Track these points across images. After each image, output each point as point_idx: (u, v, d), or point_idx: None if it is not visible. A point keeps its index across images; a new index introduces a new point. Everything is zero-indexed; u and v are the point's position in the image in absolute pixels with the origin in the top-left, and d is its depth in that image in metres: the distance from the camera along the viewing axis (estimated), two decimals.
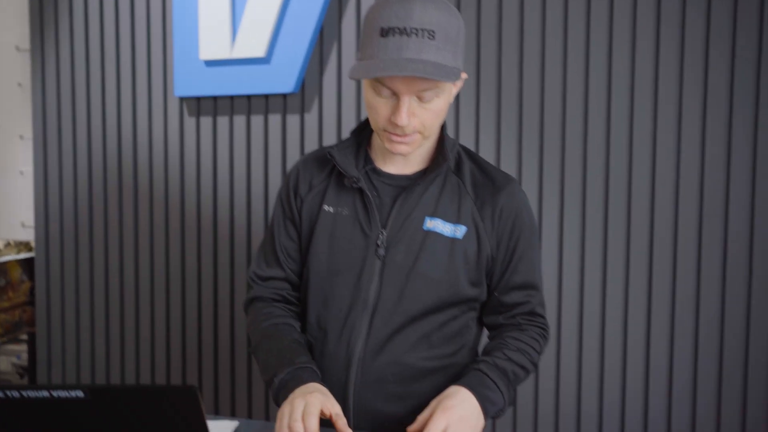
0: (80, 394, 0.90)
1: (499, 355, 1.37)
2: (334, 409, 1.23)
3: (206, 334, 2.69)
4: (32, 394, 0.90)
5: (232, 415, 2.61)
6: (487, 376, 1.32)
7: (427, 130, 1.34)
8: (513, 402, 1.37)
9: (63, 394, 0.90)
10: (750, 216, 2.19)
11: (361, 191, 1.42)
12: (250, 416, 2.64)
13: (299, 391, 1.27)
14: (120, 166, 2.75)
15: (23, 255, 3.25)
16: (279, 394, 1.31)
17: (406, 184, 1.43)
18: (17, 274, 3.13)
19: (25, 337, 3.20)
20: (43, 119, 2.85)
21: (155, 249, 2.74)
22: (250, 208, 2.61)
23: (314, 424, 1.19)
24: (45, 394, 0.90)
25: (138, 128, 2.72)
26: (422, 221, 1.40)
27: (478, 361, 1.37)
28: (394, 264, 1.39)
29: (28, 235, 3.16)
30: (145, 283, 2.76)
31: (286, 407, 1.24)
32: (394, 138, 1.33)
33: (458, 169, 1.45)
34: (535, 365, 1.43)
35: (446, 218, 1.40)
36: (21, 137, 3.10)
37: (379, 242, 1.39)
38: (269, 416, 2.63)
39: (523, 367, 1.39)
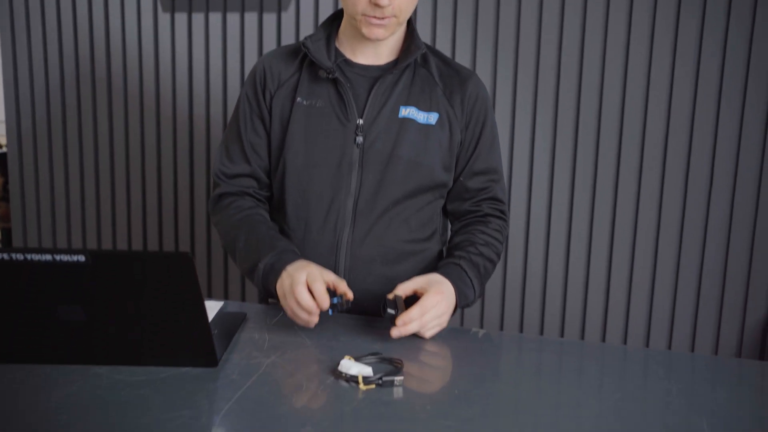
0: (82, 258, 0.95)
1: (473, 250, 1.45)
2: (331, 277, 1.30)
3: (182, 224, 2.74)
4: (36, 257, 0.94)
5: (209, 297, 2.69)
6: (465, 272, 1.40)
7: (402, 14, 1.39)
8: (482, 294, 1.46)
9: (65, 257, 0.95)
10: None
11: (335, 82, 1.45)
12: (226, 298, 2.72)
13: (292, 268, 1.32)
14: (92, 59, 2.70)
15: None
16: (267, 279, 1.36)
17: (378, 75, 1.47)
18: None
19: None
20: (10, 8, 2.77)
21: (130, 144, 2.74)
22: (226, 106, 2.61)
23: (321, 289, 1.25)
24: (48, 257, 0.95)
25: (110, 22, 2.66)
26: (397, 109, 1.46)
27: (456, 255, 1.45)
28: (373, 150, 1.44)
29: (3, 130, 3.12)
30: (121, 176, 2.77)
31: (286, 281, 1.30)
32: (373, 21, 1.37)
33: (425, 61, 1.51)
34: (499, 256, 1.52)
35: (419, 106, 1.46)
36: None
37: (357, 131, 1.44)
38: (245, 300, 2.71)
39: (491, 261, 1.49)
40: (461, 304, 1.39)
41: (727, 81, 2.24)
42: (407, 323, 1.24)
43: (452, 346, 1.29)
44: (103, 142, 2.77)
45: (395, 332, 1.24)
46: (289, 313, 1.29)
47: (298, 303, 1.25)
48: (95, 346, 1.08)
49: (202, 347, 1.09)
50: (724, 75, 2.24)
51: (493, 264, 1.50)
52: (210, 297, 2.74)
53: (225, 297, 2.73)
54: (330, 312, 1.26)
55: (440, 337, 1.32)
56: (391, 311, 1.26)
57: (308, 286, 1.26)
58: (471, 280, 1.40)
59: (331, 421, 0.98)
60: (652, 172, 2.33)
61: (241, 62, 2.57)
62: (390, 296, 1.29)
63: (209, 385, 1.07)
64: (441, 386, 1.10)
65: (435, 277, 1.35)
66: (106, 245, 2.85)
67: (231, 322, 1.31)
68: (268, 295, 1.46)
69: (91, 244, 2.88)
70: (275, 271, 1.34)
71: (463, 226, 1.55)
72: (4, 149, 3.09)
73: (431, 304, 1.27)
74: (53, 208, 2.88)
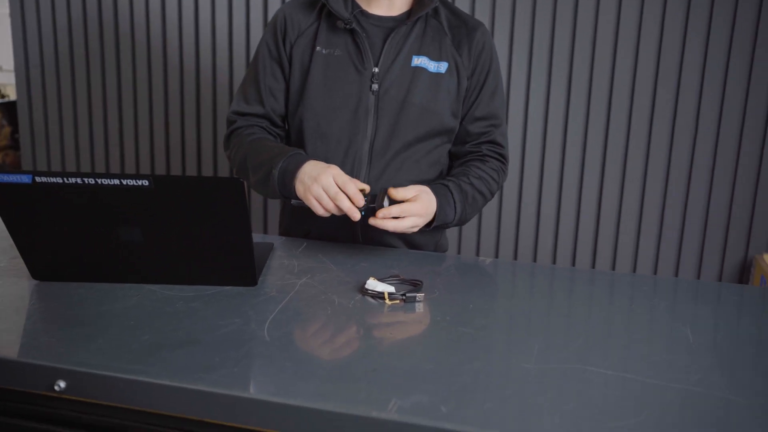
0: (146, 182, 1.07)
1: (464, 179, 1.57)
2: (352, 188, 1.39)
3: (190, 169, 2.84)
4: (105, 181, 1.06)
5: None
6: (451, 193, 1.52)
7: None
8: (465, 220, 1.57)
9: (131, 182, 1.06)
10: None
11: (352, 32, 1.56)
12: None
13: (309, 167, 1.42)
14: (100, 5, 2.77)
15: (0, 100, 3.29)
16: (284, 181, 1.45)
17: (392, 25, 1.58)
18: None
19: None
20: None
21: (138, 92, 2.82)
22: (249, 55, 2.70)
23: (353, 189, 1.37)
24: (116, 182, 1.06)
25: None
26: (410, 58, 1.57)
27: (447, 179, 1.56)
28: (387, 97, 1.56)
29: (7, 79, 3.18)
30: (129, 123, 2.86)
31: (312, 185, 1.39)
32: None
33: (436, 12, 1.62)
34: (492, 194, 1.64)
35: (430, 56, 1.58)
36: None
37: (372, 79, 1.56)
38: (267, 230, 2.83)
39: (481, 193, 1.59)
40: (440, 220, 1.49)
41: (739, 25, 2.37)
42: (386, 217, 1.37)
43: (463, 271, 1.43)
44: (111, 90, 2.85)
45: (372, 221, 1.37)
46: (314, 204, 1.39)
47: (340, 208, 1.36)
48: (150, 266, 1.21)
49: (244, 267, 1.22)
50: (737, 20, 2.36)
51: (484, 197, 1.60)
52: None
53: None
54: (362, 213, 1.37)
55: (452, 264, 1.45)
56: (371, 205, 1.38)
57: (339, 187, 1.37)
58: (455, 202, 1.51)
59: (365, 329, 1.12)
60: (664, 119, 2.47)
61: (264, 10, 2.64)
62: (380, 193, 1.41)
63: (252, 300, 1.20)
64: (457, 302, 1.24)
65: (425, 189, 1.45)
66: None
67: (262, 251, 1.44)
68: (286, 198, 1.51)
69: None
70: (290, 174, 1.44)
71: (462, 163, 1.65)
72: (13, 98, 3.16)
73: (411, 211, 1.38)
74: (63, 156, 2.97)
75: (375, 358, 1.02)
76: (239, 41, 2.69)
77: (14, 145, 3.25)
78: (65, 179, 1.06)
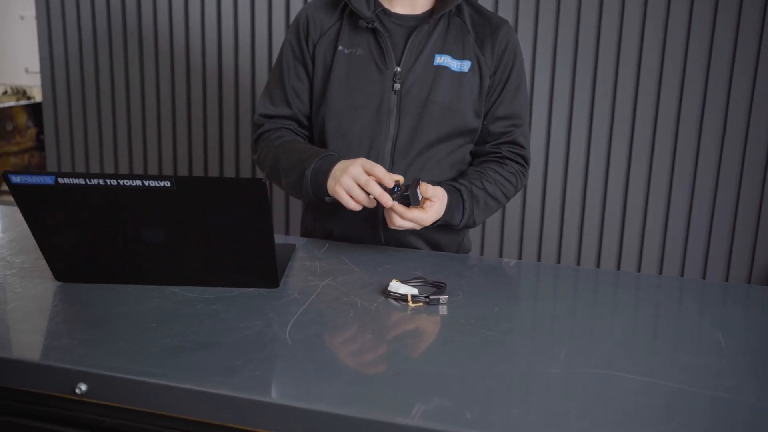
0: (168, 183, 1.06)
1: (478, 184, 1.54)
2: (381, 170, 1.37)
3: (212, 172, 2.85)
4: (126, 182, 1.06)
5: None
6: (461, 195, 1.50)
7: None
8: (474, 224, 1.55)
9: (153, 183, 1.06)
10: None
11: (374, 31, 1.54)
12: None
13: (341, 165, 1.40)
14: (124, 10, 2.78)
15: (25, 102, 3.32)
16: (318, 181, 1.44)
17: (415, 24, 1.56)
18: (23, 120, 3.22)
19: None
20: None
21: (161, 94, 2.83)
22: (271, 56, 2.70)
23: (382, 171, 1.35)
24: (138, 182, 1.06)
25: None
26: (432, 57, 1.55)
27: (460, 182, 1.54)
28: (410, 96, 1.54)
29: (33, 81, 3.22)
30: (152, 125, 2.87)
31: (341, 177, 1.37)
32: None
33: (459, 10, 1.59)
34: (508, 198, 1.62)
35: (453, 54, 1.56)
36: None
37: (395, 78, 1.54)
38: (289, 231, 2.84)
39: (494, 198, 1.57)
40: (444, 221, 1.47)
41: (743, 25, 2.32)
42: (405, 220, 1.36)
43: (487, 273, 1.41)
44: (134, 92, 2.86)
45: (394, 220, 1.36)
46: (344, 197, 1.37)
47: (371, 199, 1.35)
48: (172, 267, 1.20)
49: (266, 269, 1.21)
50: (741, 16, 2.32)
51: (497, 201, 1.58)
52: None
53: None
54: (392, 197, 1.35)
55: (475, 266, 1.44)
56: (405, 193, 1.36)
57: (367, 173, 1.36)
58: (464, 208, 1.50)
59: (388, 331, 1.11)
60: (667, 119, 2.43)
61: (286, 11, 2.64)
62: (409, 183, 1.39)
63: (274, 302, 1.19)
64: (481, 305, 1.22)
65: (441, 195, 1.43)
66: None
67: (283, 252, 1.43)
68: (319, 198, 1.49)
69: None
70: (324, 173, 1.43)
71: (480, 164, 1.63)
72: (38, 100, 3.19)
73: (425, 219, 1.37)
74: (87, 157, 2.99)
75: (398, 362, 1.00)
76: (261, 42, 2.69)
77: (39, 146, 3.29)
78: (87, 180, 1.06)
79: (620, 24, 2.39)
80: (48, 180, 1.06)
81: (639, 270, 2.55)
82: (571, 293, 1.37)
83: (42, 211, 1.12)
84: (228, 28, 2.71)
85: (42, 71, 2.95)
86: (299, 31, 1.60)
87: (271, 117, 1.63)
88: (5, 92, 3.72)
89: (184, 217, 1.12)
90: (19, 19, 3.08)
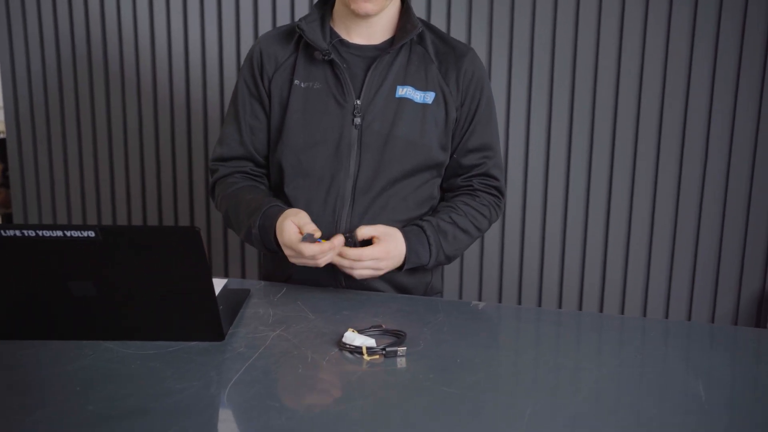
0: (92, 233, 0.97)
1: (445, 217, 1.47)
2: (308, 227, 1.34)
3: (182, 205, 2.76)
4: (47, 233, 0.97)
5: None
6: (424, 233, 1.43)
7: None
8: (448, 259, 1.49)
9: (76, 233, 0.97)
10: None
11: (331, 63, 1.47)
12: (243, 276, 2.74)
13: (279, 233, 1.36)
14: (89, 42, 2.71)
15: None
16: (264, 241, 1.41)
17: (374, 55, 1.48)
18: None
19: None
20: None
21: (128, 127, 2.75)
22: (223, 87, 2.62)
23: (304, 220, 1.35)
24: (59, 233, 0.97)
25: (105, 4, 2.66)
26: (394, 89, 1.47)
27: (425, 219, 1.47)
28: (371, 131, 1.46)
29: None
30: (119, 159, 2.78)
31: (288, 255, 1.35)
32: None
33: (421, 39, 1.51)
34: (481, 231, 1.54)
35: (416, 85, 1.48)
36: None
37: (354, 112, 1.46)
38: (245, 277, 2.73)
39: (465, 231, 1.49)
40: (412, 262, 1.42)
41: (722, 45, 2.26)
42: (343, 257, 1.33)
43: (453, 318, 1.32)
44: (101, 126, 2.77)
45: (345, 266, 1.35)
46: (292, 261, 1.36)
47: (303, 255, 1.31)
48: (105, 321, 1.11)
49: (209, 321, 1.12)
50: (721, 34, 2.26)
51: (468, 234, 1.50)
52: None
53: (225, 275, 2.76)
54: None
55: (440, 309, 1.35)
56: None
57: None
58: (429, 244, 1.43)
59: (338, 390, 1.01)
60: (648, 148, 2.36)
61: (236, 43, 2.58)
62: (347, 234, 1.37)
63: (217, 357, 1.10)
64: (443, 355, 1.12)
65: (391, 232, 1.39)
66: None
67: (235, 298, 1.34)
68: (272, 254, 1.48)
69: None
70: (268, 235, 1.40)
71: (451, 198, 1.56)
72: (3, 135, 3.10)
73: (370, 255, 1.34)
74: (53, 193, 2.89)
75: (347, 427, 0.91)
76: (213, 77, 2.61)
77: (5, 182, 3.18)
78: (3, 232, 0.97)
79: (597, 45, 2.33)
80: None
81: (623, 307, 2.46)
82: (546, 339, 1.27)
83: None
84: (196, 58, 2.63)
85: (5, 105, 2.86)
86: (253, 67, 1.52)
87: (225, 160, 1.55)
88: None
89: (114, 269, 1.03)
90: None
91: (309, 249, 1.30)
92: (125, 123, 2.75)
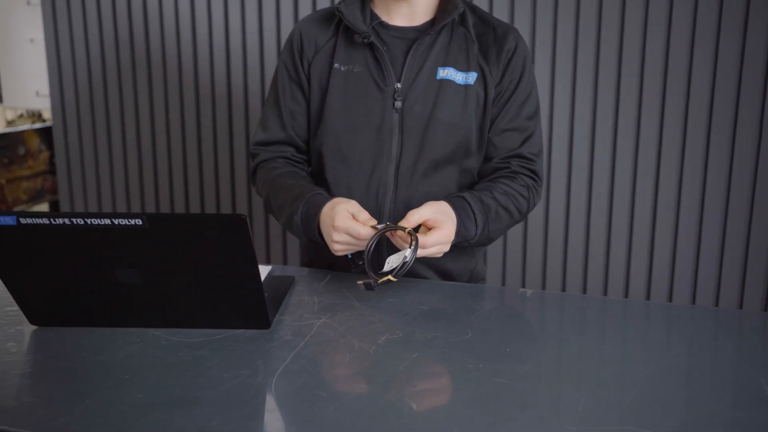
0: (139, 221, 0.97)
1: (487, 193, 1.40)
2: (362, 215, 1.29)
3: (223, 190, 2.77)
4: (95, 221, 0.96)
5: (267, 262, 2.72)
6: (469, 205, 1.36)
7: None
8: (489, 239, 1.41)
9: (123, 221, 0.96)
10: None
11: (371, 46, 1.44)
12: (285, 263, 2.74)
13: (326, 223, 1.30)
14: (131, 31, 2.73)
15: (38, 125, 3.28)
16: (308, 229, 1.35)
17: (415, 36, 1.45)
18: (35, 143, 3.18)
19: (46, 205, 3.29)
20: None
21: (170, 114, 2.76)
22: (264, 71, 2.62)
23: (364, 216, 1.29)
24: (107, 221, 0.97)
25: None
26: (435, 71, 1.44)
27: (466, 191, 1.41)
28: (412, 114, 1.43)
29: (43, 104, 3.17)
30: (162, 145, 2.80)
31: (331, 245, 1.29)
32: None
33: (462, 19, 1.47)
34: (522, 213, 1.47)
35: (457, 66, 1.44)
36: (28, 3, 3.06)
37: (395, 95, 1.43)
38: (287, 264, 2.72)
39: (507, 209, 1.42)
40: (460, 237, 1.34)
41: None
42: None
43: (499, 305, 1.29)
44: (144, 114, 2.80)
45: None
46: (338, 248, 1.29)
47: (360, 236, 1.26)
48: (152, 309, 1.11)
49: (255, 309, 1.11)
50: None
51: (510, 214, 1.43)
52: None
53: (267, 261, 2.77)
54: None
55: (486, 297, 1.32)
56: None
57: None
58: (474, 215, 1.36)
59: (386, 379, 1.00)
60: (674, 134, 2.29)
61: (277, 29, 2.57)
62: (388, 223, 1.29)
63: (264, 345, 1.09)
64: (491, 344, 1.10)
65: (443, 209, 1.31)
66: (150, 210, 2.89)
67: (280, 286, 1.33)
68: (312, 243, 1.41)
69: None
70: (311, 223, 1.34)
71: (489, 180, 1.49)
72: (50, 123, 3.15)
73: (435, 241, 1.25)
74: (98, 179, 2.93)
75: (396, 419, 0.89)
76: (254, 64, 2.60)
77: (52, 169, 3.24)
78: (52, 220, 0.97)
79: (643, 39, 2.27)
80: (9, 221, 0.97)
81: (670, 296, 2.40)
82: (594, 328, 1.24)
83: (6, 253, 1.03)
84: (219, 50, 2.63)
85: (51, 94, 2.90)
86: (293, 50, 1.50)
87: (266, 145, 1.53)
88: (21, 115, 3.69)
89: (160, 257, 1.03)
90: (28, 42, 3.04)
91: (365, 230, 1.25)
92: (167, 111, 2.76)
